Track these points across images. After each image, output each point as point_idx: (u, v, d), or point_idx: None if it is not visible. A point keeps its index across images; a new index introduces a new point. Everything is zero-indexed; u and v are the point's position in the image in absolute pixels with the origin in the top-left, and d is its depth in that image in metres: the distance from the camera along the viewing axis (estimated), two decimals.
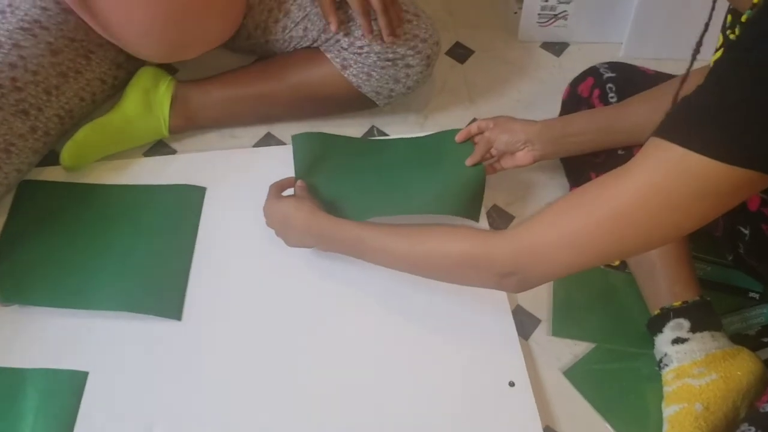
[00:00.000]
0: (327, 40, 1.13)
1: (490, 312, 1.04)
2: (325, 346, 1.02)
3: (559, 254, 0.77)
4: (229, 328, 1.03)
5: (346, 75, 1.13)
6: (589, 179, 1.06)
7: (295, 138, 1.16)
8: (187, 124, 1.20)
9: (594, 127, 1.03)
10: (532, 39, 1.36)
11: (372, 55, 1.11)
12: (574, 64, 1.29)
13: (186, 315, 1.03)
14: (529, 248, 0.79)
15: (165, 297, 1.04)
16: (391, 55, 1.11)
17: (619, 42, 1.32)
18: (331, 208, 1.04)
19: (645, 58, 1.24)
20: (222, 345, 1.01)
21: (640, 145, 0.72)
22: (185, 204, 1.14)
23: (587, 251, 0.75)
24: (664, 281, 0.97)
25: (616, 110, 1.03)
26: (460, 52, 1.35)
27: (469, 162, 1.10)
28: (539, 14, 1.31)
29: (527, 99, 1.29)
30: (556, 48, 1.36)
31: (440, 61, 1.20)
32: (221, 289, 1.06)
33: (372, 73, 1.12)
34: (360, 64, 1.12)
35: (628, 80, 1.09)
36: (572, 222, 0.74)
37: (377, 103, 1.18)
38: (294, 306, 1.05)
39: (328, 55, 1.14)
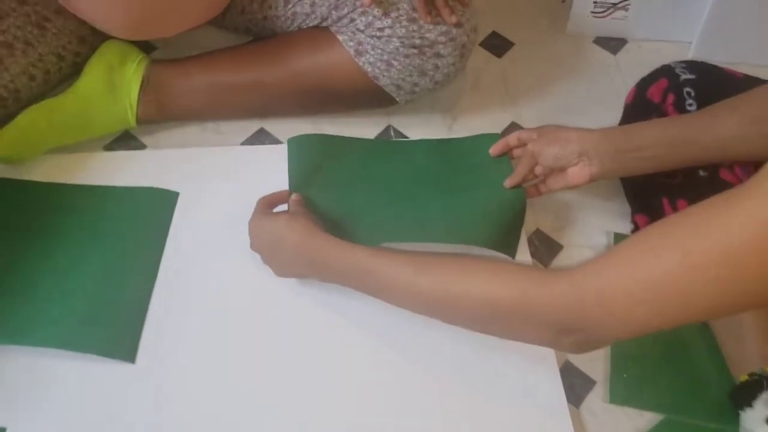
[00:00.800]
0: (339, 18, 0.92)
1: (532, 369, 0.83)
2: (321, 404, 0.80)
3: (638, 310, 0.60)
4: (197, 375, 0.81)
5: (360, 63, 0.91)
6: (660, 205, 0.87)
7: (291, 141, 0.96)
8: (161, 113, 0.98)
9: (668, 139, 0.82)
10: (583, 32, 1.15)
11: (394, 39, 0.89)
12: (635, 64, 1.11)
13: (142, 356, 0.82)
14: (599, 299, 0.61)
15: (117, 332, 0.83)
16: (418, 41, 0.89)
17: (687, 42, 1.13)
18: (334, 229, 0.83)
19: (717, 61, 1.03)
20: (187, 396, 0.79)
21: (728, 165, 0.66)
22: (152, 212, 0.92)
23: (676, 307, 0.58)
24: (754, 339, 0.80)
25: (698, 119, 0.82)
26: (496, 44, 1.14)
27: (508, 183, 0.89)
28: (595, 2, 1.11)
29: (579, 103, 1.08)
30: (612, 45, 1.15)
31: (473, 53, 0.98)
32: (190, 323, 0.84)
33: (393, 62, 0.91)
34: (379, 51, 0.90)
35: (711, 84, 0.89)
36: (659, 267, 0.58)
37: (397, 99, 0.96)
38: (284, 349, 0.83)
39: (340, 38, 0.92)
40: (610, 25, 1.13)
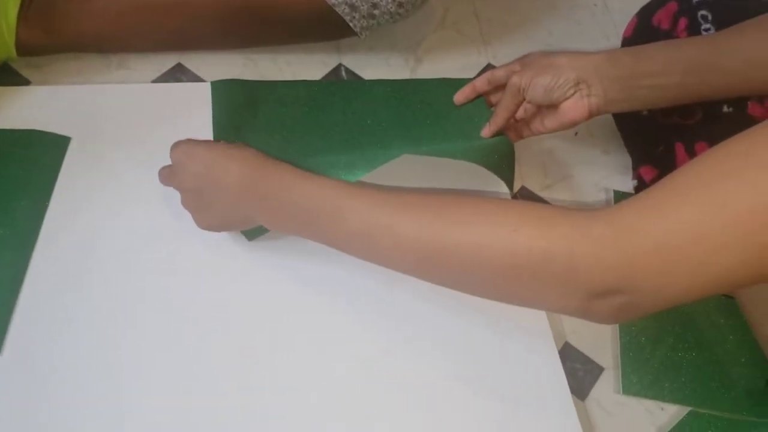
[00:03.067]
0: None
1: (525, 352, 0.65)
2: (280, 393, 0.60)
3: (696, 276, 0.46)
4: (82, 372, 0.60)
5: None
6: (672, 153, 0.71)
7: (216, 86, 0.77)
8: (49, 40, 0.77)
9: (685, 63, 0.66)
10: None
11: None
12: (624, 3, 0.96)
13: (10, 346, 0.60)
14: (653, 249, 0.46)
15: None
16: None
17: None
18: None
19: None
20: (68, 399, 0.58)
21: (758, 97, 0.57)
22: (33, 161, 0.71)
23: (729, 262, 0.45)
24: None
25: (722, 39, 0.66)
26: None
27: (486, 132, 0.71)
28: None
29: (561, 42, 0.92)
30: None
31: None
32: (76, 304, 0.63)
33: None
34: None
35: (731, 5, 0.73)
36: (728, 218, 0.44)
37: (352, 26, 0.77)
38: (210, 337, 0.63)
39: None
40: None
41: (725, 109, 0.68)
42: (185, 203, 0.64)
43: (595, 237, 0.47)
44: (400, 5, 0.76)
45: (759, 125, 0.46)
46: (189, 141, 0.64)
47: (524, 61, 0.71)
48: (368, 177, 0.66)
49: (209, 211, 0.63)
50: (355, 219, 0.55)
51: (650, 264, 0.45)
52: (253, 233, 0.66)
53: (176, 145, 0.64)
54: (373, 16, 0.77)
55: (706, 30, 0.71)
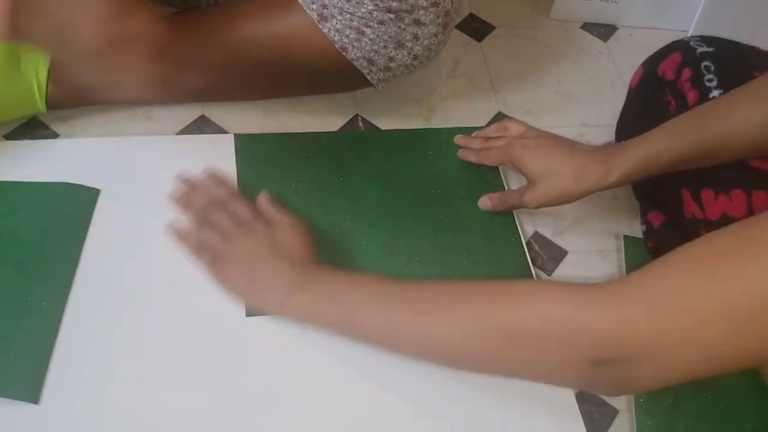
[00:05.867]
0: None
1: (539, 392, 0.67)
2: None
3: (686, 348, 0.48)
4: (119, 421, 0.61)
5: (325, 30, 0.76)
6: (679, 200, 0.75)
7: (239, 139, 0.81)
8: (77, 95, 0.80)
9: (682, 143, 0.69)
10: (569, 17, 1.03)
11: (367, 2, 0.74)
12: (628, 52, 1.01)
13: (48, 395, 0.62)
14: (644, 318, 0.48)
15: (17, 366, 0.63)
16: (395, 5, 0.75)
17: (682, 30, 1.02)
18: None
19: None
20: None
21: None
22: (65, 214, 0.74)
23: (716, 335, 0.47)
24: None
25: (706, 117, 0.69)
26: (475, 27, 1.00)
27: (482, 203, 0.80)
28: None
29: (570, 91, 0.95)
30: (602, 31, 1.03)
31: (450, 37, 0.84)
32: (110, 355, 0.65)
33: (365, 29, 0.76)
34: (348, 15, 0.75)
35: (733, 58, 0.77)
36: (718, 294, 0.46)
37: (369, 79, 0.80)
38: (234, 388, 0.65)
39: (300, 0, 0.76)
40: (599, 10, 1.02)
41: None
42: (213, 265, 0.68)
43: (595, 304, 0.49)
44: (415, 57, 0.80)
45: (763, 214, 0.49)
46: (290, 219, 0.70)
47: (538, 139, 0.75)
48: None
49: (252, 282, 0.66)
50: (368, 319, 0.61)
51: (642, 332, 0.47)
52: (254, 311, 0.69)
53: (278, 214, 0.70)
54: (389, 69, 0.80)
55: (709, 80, 0.74)
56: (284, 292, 0.64)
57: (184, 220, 0.72)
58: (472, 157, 0.82)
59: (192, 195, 0.74)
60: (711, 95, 0.72)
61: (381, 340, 0.62)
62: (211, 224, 0.70)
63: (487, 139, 0.82)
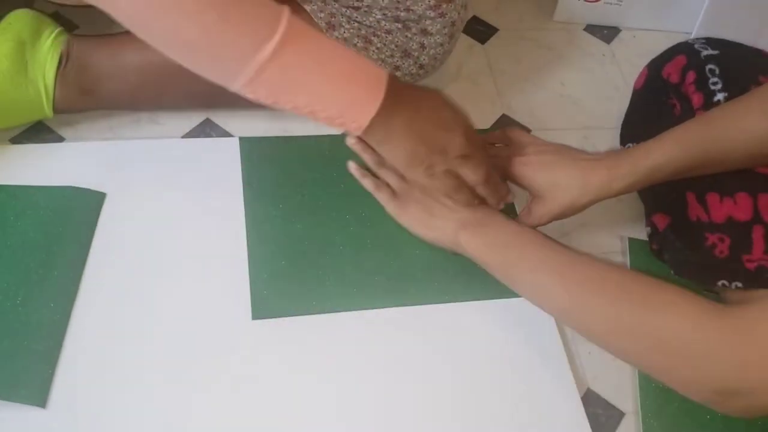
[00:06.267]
0: None
1: (549, 397, 0.68)
2: None
3: None
4: (127, 424, 0.62)
5: (333, 38, 0.76)
6: (683, 202, 0.75)
7: (244, 142, 0.81)
8: (83, 100, 0.80)
9: (688, 152, 0.69)
10: (572, 19, 1.03)
11: (375, 10, 0.76)
12: (631, 54, 1.00)
13: (55, 399, 0.62)
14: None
15: (23, 369, 0.64)
16: (402, 14, 0.76)
17: (685, 32, 1.02)
18: (299, 257, 0.73)
19: None
20: None
21: None
22: (71, 217, 0.74)
23: None
24: None
25: (715, 124, 0.69)
26: (479, 30, 1.00)
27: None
28: None
29: (574, 92, 0.96)
30: (605, 33, 1.03)
31: None
32: (117, 358, 0.66)
33: (372, 38, 0.76)
34: (355, 24, 0.76)
35: (737, 61, 0.77)
36: None
37: None
38: (241, 390, 0.65)
39: (308, 8, 0.77)
40: (602, 12, 1.02)
41: None
42: (403, 195, 0.76)
43: (724, 335, 0.54)
44: (421, 67, 0.80)
45: None
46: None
47: (541, 155, 0.75)
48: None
49: (429, 218, 0.73)
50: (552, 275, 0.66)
51: (763, 370, 0.51)
52: (259, 312, 0.70)
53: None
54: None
55: (714, 83, 0.74)
56: (454, 230, 0.71)
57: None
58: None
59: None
60: (716, 98, 0.73)
61: (530, 297, 0.68)
62: (388, 165, 0.75)
63: (490, 145, 0.82)
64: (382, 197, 0.76)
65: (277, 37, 0.55)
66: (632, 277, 0.64)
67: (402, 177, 0.75)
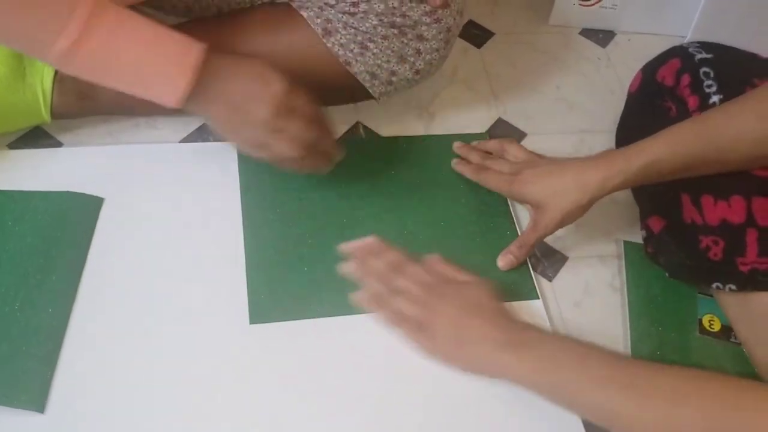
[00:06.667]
0: None
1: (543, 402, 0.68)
2: None
3: None
4: (127, 429, 0.62)
5: (329, 44, 0.77)
6: (678, 204, 0.75)
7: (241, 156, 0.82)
8: (81, 105, 0.80)
9: (682, 151, 0.70)
10: (567, 23, 1.04)
11: (371, 16, 0.75)
12: (626, 58, 1.01)
13: (53, 404, 0.63)
14: None
15: (21, 374, 0.64)
16: (398, 20, 0.76)
17: (680, 36, 1.02)
18: (298, 262, 0.74)
19: None
20: None
21: None
22: (69, 222, 0.74)
23: None
24: None
25: (708, 126, 0.70)
26: (475, 34, 1.01)
27: (504, 262, 0.78)
28: None
29: (569, 96, 0.96)
30: (600, 37, 1.04)
31: None
32: (115, 364, 0.66)
33: (368, 44, 0.77)
34: (352, 30, 0.76)
35: (732, 65, 0.77)
36: None
37: (371, 92, 0.81)
38: (238, 396, 0.66)
39: (305, 14, 0.77)
40: (597, 16, 1.02)
41: None
42: (428, 326, 0.68)
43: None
44: (417, 72, 0.80)
45: None
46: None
47: (536, 169, 0.76)
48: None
49: (460, 346, 0.66)
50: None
51: None
52: (257, 317, 0.70)
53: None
54: (390, 83, 0.81)
55: (709, 86, 0.74)
56: (492, 353, 0.64)
57: (369, 286, 0.72)
58: (468, 173, 0.82)
59: (368, 260, 0.74)
60: (711, 100, 0.73)
61: (594, 417, 0.61)
62: (401, 291, 0.70)
63: (486, 154, 0.83)
64: (405, 331, 0.69)
65: (72, 26, 0.58)
66: (717, 381, 0.57)
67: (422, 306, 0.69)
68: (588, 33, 1.04)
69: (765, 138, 0.67)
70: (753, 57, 0.79)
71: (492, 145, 0.83)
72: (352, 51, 0.77)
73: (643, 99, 0.81)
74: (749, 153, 0.68)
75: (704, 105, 0.74)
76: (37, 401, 0.62)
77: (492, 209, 0.81)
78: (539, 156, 0.80)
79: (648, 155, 0.70)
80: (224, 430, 0.63)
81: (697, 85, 0.75)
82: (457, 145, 0.85)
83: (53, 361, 0.65)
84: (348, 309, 0.71)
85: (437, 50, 0.80)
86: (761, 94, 0.68)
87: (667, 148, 0.69)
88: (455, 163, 0.84)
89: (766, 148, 0.68)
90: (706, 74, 0.75)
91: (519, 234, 0.79)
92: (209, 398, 0.65)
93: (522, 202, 0.78)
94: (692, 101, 0.75)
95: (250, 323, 0.69)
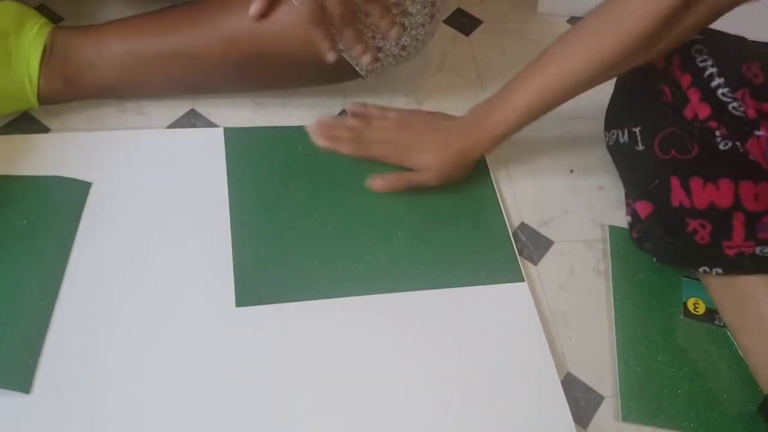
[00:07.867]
0: None
1: (529, 383, 0.68)
2: None
3: None
4: (110, 410, 0.62)
5: None
6: (667, 187, 0.76)
7: (229, 133, 0.82)
8: (68, 90, 0.80)
9: (544, 95, 0.78)
10: (555, 11, 1.04)
11: None
12: None
13: (39, 385, 0.63)
14: None
15: (7, 356, 0.64)
16: None
17: None
18: (285, 250, 0.74)
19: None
20: None
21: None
22: (56, 207, 0.74)
23: None
24: None
25: (553, 57, 0.79)
26: (463, 22, 1.01)
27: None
28: None
29: None
30: None
31: (438, 31, 0.85)
32: (102, 345, 0.66)
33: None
34: None
35: (722, 44, 0.76)
36: None
37: (359, 71, 0.81)
38: (225, 379, 0.66)
39: None
40: (585, 4, 1.01)
41: (721, 146, 0.71)
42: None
43: None
44: (403, 48, 0.80)
45: None
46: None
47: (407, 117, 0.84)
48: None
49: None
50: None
51: None
52: (243, 299, 0.70)
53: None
54: (377, 59, 0.80)
55: (703, 61, 0.73)
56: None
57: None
58: (322, 142, 0.81)
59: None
60: (707, 73, 0.73)
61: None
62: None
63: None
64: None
65: None
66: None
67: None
68: (576, 21, 1.03)
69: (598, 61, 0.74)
70: (743, 40, 0.79)
71: (355, 109, 0.85)
72: (336, 28, 0.77)
73: (633, 84, 0.81)
74: (588, 79, 0.76)
75: (698, 81, 0.73)
76: (23, 382, 0.62)
77: (476, 193, 0.82)
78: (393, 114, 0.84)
79: (508, 117, 0.78)
80: (210, 412, 0.63)
81: (688, 63, 0.75)
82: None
83: (39, 342, 0.65)
84: (335, 292, 0.71)
85: (423, 25, 0.79)
86: (587, 24, 0.79)
87: (522, 107, 0.77)
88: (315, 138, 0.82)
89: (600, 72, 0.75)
90: (699, 51, 0.75)
91: (506, 220, 0.80)
92: (195, 380, 0.65)
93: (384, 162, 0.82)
94: (685, 80, 0.74)
95: (237, 306, 0.69)
